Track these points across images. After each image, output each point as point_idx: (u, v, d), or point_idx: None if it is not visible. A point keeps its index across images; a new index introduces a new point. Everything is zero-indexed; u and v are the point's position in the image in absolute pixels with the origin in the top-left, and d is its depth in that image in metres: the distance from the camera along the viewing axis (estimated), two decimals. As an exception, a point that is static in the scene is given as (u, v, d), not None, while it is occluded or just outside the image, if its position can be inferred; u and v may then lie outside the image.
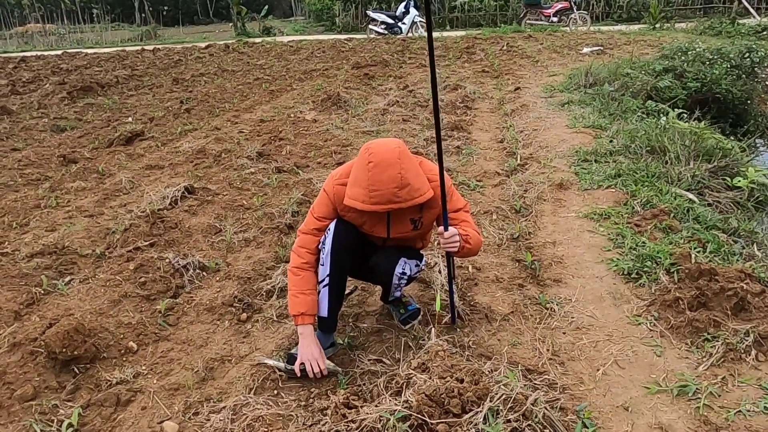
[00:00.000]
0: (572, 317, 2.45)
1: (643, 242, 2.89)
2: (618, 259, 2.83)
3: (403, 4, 17.96)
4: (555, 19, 17.71)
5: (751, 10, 17.06)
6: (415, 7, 17.89)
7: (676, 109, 5.61)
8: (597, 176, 3.79)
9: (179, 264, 3.03)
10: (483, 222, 3.43)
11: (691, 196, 3.37)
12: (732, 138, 4.87)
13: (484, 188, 3.97)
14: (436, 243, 2.98)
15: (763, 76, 8.53)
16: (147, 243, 3.35)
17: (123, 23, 38.75)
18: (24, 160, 5.38)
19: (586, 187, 3.70)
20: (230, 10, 27.04)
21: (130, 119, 7.03)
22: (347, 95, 7.15)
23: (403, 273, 2.25)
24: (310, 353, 2.12)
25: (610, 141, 4.43)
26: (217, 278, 3.02)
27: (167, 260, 3.06)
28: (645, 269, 2.67)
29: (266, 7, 28.67)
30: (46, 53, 17.09)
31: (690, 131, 3.98)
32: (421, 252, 2.42)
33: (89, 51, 17.35)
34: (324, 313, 2.21)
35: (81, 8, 33.66)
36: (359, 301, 2.72)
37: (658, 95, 7.14)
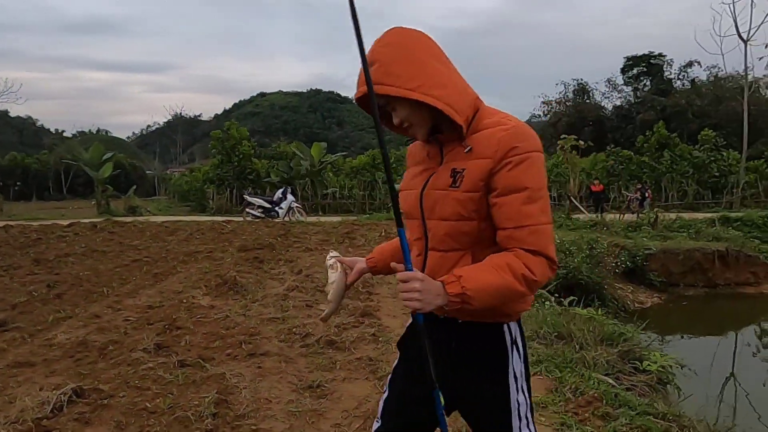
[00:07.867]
0: None
1: (592, 432, 2.94)
2: (573, 452, 2.82)
3: (281, 190, 18.82)
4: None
5: (581, 208, 20.48)
6: (292, 193, 18.82)
7: (556, 295, 6.20)
8: (521, 363, 3.91)
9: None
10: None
11: (610, 381, 3.58)
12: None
13: (414, 379, 3.88)
14: None
15: (610, 264, 9.94)
16: (31, 468, 2.70)
17: (-37, 196, 35.55)
18: None
19: (514, 375, 3.77)
20: (93, 188, 26.24)
21: (-15, 305, 6.08)
22: (243, 279, 6.95)
23: None
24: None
25: (519, 326, 4.69)
26: None
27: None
28: (606, 462, 2.67)
29: (134, 187, 28.37)
30: None
31: (589, 317, 4.37)
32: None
33: None
34: None
35: None
36: None
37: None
